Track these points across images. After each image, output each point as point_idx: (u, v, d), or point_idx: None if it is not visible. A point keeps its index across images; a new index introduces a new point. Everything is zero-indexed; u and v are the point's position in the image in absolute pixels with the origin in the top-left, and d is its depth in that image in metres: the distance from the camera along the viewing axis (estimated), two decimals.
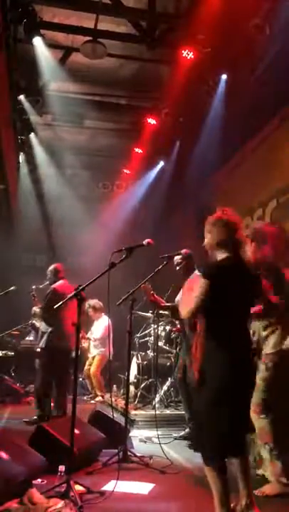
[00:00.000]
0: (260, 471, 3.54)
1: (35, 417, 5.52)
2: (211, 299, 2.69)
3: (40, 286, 6.27)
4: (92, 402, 7.38)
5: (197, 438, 2.80)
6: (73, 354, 5.63)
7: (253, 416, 3.34)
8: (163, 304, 5.23)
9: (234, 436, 2.73)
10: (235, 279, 2.76)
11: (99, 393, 7.62)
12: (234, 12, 5.87)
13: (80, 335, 7.55)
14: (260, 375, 3.39)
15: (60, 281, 5.89)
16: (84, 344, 8.05)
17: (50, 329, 5.74)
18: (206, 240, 2.94)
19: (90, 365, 7.84)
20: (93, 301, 7.67)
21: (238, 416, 2.72)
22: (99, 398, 7.51)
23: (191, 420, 5.06)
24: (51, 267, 6.08)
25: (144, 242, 3.88)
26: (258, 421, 3.35)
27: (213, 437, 2.66)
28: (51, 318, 5.72)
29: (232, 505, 2.71)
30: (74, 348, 5.55)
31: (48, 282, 6.06)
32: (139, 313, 7.10)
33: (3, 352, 8.73)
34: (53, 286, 5.84)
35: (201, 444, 2.75)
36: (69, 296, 3.49)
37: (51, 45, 7.25)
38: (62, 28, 7.18)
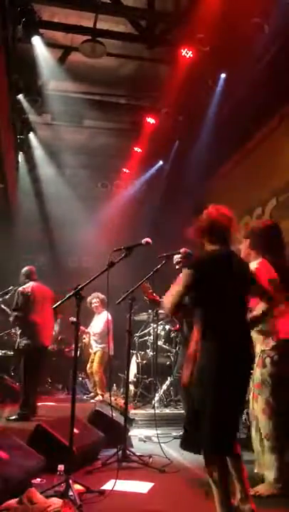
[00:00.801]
0: (258, 470, 3.51)
1: (15, 416, 5.70)
2: (199, 290, 2.73)
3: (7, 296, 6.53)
4: (92, 401, 7.39)
5: (195, 438, 2.74)
6: (45, 351, 6.08)
7: (262, 416, 3.33)
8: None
9: (234, 431, 2.73)
10: (224, 269, 2.78)
11: (100, 392, 7.61)
12: (233, 11, 5.87)
13: (81, 330, 7.65)
14: (267, 369, 3.38)
15: (30, 283, 6.07)
16: (84, 340, 8.05)
17: (20, 330, 6.00)
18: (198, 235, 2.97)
19: (93, 362, 7.82)
20: (102, 295, 7.69)
21: (237, 409, 2.75)
22: (98, 397, 7.51)
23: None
24: (24, 269, 6.27)
25: (143, 241, 3.87)
26: (267, 421, 3.32)
27: (219, 430, 2.63)
28: (22, 319, 5.95)
29: None
30: (46, 345, 6.03)
31: (20, 284, 6.27)
32: (139, 315, 7.12)
33: (3, 351, 8.71)
34: (20, 289, 6.04)
35: (202, 442, 2.68)
36: (68, 295, 3.48)
37: (50, 44, 7.26)
38: (62, 28, 7.17)
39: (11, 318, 6.16)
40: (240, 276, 2.85)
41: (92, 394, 7.90)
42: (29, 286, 6.05)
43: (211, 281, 2.73)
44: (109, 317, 7.41)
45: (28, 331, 5.89)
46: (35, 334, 5.89)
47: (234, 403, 2.71)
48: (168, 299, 2.83)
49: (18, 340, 5.98)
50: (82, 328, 7.50)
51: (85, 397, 7.90)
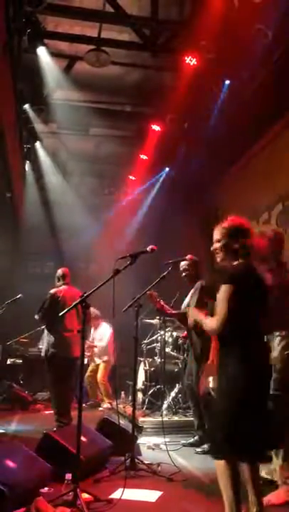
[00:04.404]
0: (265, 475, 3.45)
1: (54, 429, 5.21)
2: (234, 305, 2.65)
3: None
4: (100, 409, 7.39)
5: (210, 435, 2.74)
6: (76, 362, 5.44)
7: None
8: (169, 312, 5.20)
9: (252, 441, 2.68)
10: (252, 285, 2.76)
11: (107, 400, 7.62)
12: (236, 18, 5.90)
13: (87, 344, 7.55)
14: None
15: (63, 287, 5.68)
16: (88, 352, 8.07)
17: (51, 338, 5.53)
18: (217, 246, 2.90)
19: (92, 371, 7.86)
20: (94, 310, 7.36)
21: (257, 423, 2.68)
22: (107, 405, 7.50)
23: (201, 426, 5.03)
24: (57, 271, 5.89)
25: (148, 248, 3.87)
26: None
27: (228, 433, 2.63)
28: (51, 325, 5.57)
29: None
30: (76, 356, 5.41)
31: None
32: (146, 320, 7.10)
33: (12, 360, 8.75)
34: (51, 291, 5.65)
35: (213, 439, 2.73)
36: (74, 303, 3.49)
37: (55, 54, 7.33)
38: (66, 38, 7.25)
39: (36, 317, 5.72)
40: (262, 295, 2.82)
41: (91, 402, 7.86)
42: (61, 290, 5.63)
43: (244, 298, 2.68)
44: (109, 328, 7.56)
45: (56, 340, 5.47)
46: (63, 343, 5.42)
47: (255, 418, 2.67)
48: (213, 323, 2.72)
49: (46, 347, 5.56)
50: (87, 342, 7.51)
51: (84, 405, 7.85)
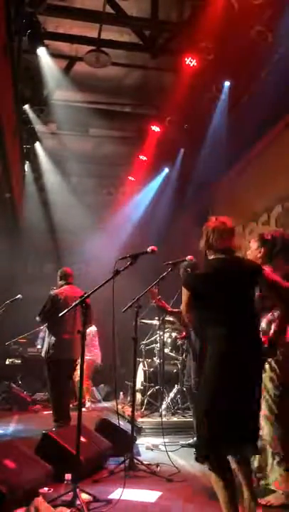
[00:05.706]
0: (262, 481, 3.44)
1: (53, 429, 5.14)
2: (199, 307, 2.88)
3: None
4: (83, 409, 7.34)
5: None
6: (75, 363, 5.50)
7: (267, 423, 3.30)
8: (170, 310, 5.21)
9: (227, 438, 2.69)
10: (219, 281, 2.85)
11: (88, 398, 7.55)
12: (237, 19, 5.90)
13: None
14: (266, 374, 3.31)
15: (64, 287, 5.59)
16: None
17: (52, 339, 5.43)
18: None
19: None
20: None
21: (234, 417, 2.67)
22: (89, 404, 7.44)
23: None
24: (59, 271, 5.83)
25: (148, 249, 3.89)
26: (272, 429, 3.28)
27: (205, 437, 2.67)
28: (51, 326, 5.49)
29: None
30: (75, 358, 5.42)
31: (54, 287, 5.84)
32: (145, 321, 7.09)
33: (10, 360, 8.75)
34: (51, 292, 5.57)
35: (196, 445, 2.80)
36: (73, 304, 3.49)
37: (55, 55, 7.33)
38: (66, 38, 7.26)
39: (37, 318, 5.65)
40: (241, 282, 2.87)
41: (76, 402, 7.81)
42: (62, 291, 5.53)
43: (203, 296, 2.86)
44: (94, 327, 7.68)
45: (56, 341, 5.37)
46: (63, 345, 5.34)
47: (232, 412, 2.68)
48: (182, 307, 3.01)
49: (46, 348, 5.47)
50: None
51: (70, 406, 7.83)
